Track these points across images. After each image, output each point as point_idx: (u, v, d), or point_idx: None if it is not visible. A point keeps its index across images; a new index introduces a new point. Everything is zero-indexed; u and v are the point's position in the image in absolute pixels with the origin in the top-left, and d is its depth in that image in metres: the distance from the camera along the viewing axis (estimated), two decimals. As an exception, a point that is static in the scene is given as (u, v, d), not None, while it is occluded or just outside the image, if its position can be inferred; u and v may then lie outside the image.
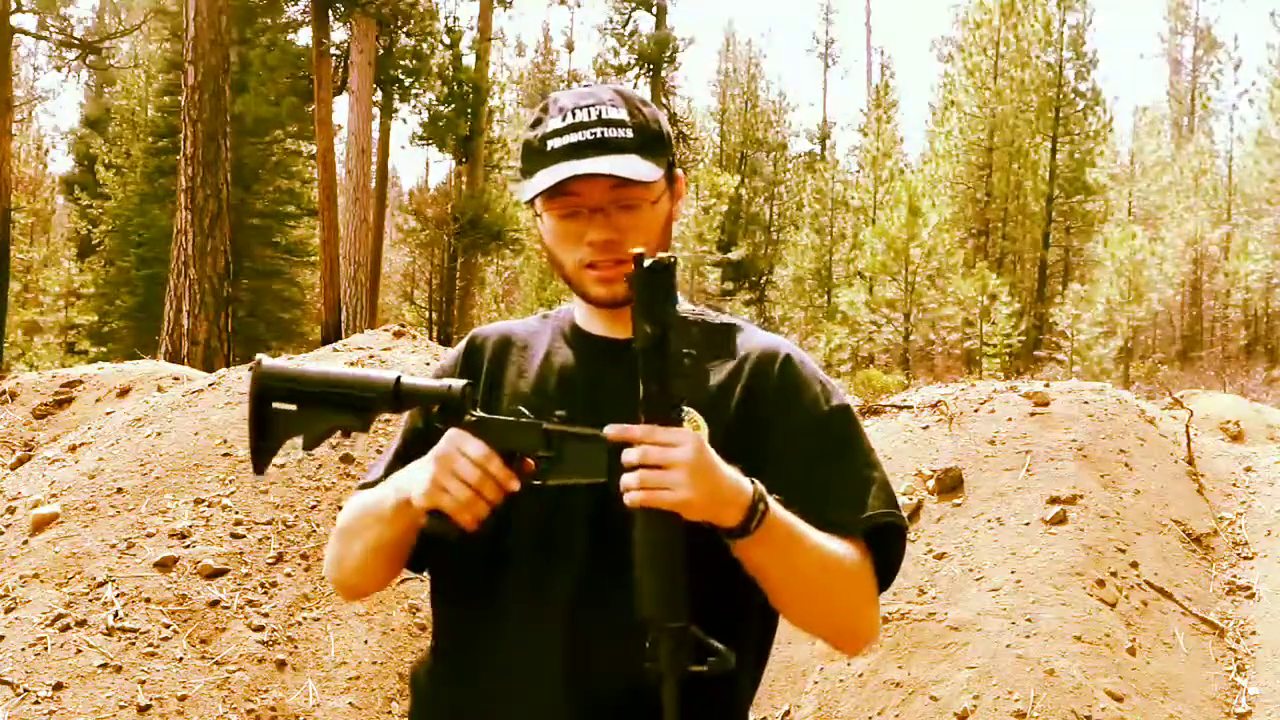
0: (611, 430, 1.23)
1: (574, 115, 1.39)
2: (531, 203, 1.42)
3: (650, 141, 1.40)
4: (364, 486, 1.53)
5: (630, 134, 1.38)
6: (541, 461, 1.29)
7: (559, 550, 1.36)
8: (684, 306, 1.53)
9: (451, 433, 1.30)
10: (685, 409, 1.36)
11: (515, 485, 1.29)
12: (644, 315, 1.22)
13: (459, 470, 1.27)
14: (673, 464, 1.20)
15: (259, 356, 1.36)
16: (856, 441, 1.44)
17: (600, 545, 1.34)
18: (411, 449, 1.45)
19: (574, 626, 1.34)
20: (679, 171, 1.49)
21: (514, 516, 1.35)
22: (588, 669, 1.34)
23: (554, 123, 1.39)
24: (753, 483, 1.26)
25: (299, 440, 1.34)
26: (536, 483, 1.30)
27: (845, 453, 1.42)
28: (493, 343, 1.54)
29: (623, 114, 1.39)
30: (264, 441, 1.36)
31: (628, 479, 1.21)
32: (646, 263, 1.21)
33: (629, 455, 1.22)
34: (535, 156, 1.41)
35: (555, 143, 1.38)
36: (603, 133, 1.37)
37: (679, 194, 1.49)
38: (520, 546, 1.39)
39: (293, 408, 1.33)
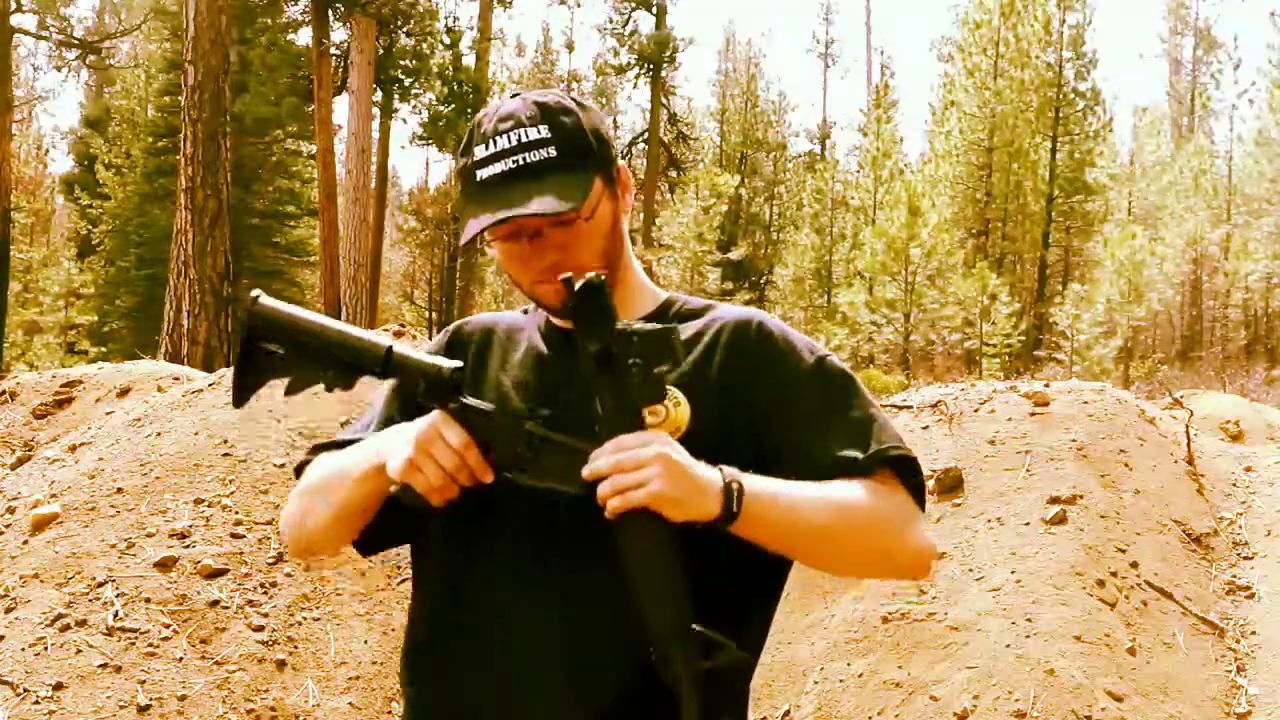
0: (587, 471, 1.24)
1: (494, 144, 1.38)
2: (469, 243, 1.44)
3: (576, 155, 1.39)
4: (322, 448, 1.53)
5: (553, 153, 1.37)
6: (520, 460, 1.30)
7: (554, 535, 1.36)
8: (656, 293, 1.55)
9: (435, 415, 1.31)
10: (668, 389, 1.38)
11: (489, 478, 1.31)
12: (584, 336, 1.25)
13: (437, 455, 1.29)
14: (644, 462, 1.22)
15: (255, 292, 1.34)
16: (850, 385, 1.45)
17: (594, 528, 1.33)
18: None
19: (572, 612, 1.34)
20: (620, 165, 1.48)
21: (506, 501, 1.35)
22: (589, 656, 1.34)
23: (479, 150, 1.39)
24: (719, 468, 1.27)
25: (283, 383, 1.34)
26: (508, 476, 1.31)
27: (842, 396, 1.44)
28: (477, 333, 1.55)
29: (543, 131, 1.38)
30: (246, 378, 1.35)
31: (603, 489, 1.23)
32: (577, 285, 1.23)
33: (597, 465, 1.23)
34: (466, 188, 1.42)
35: (481, 173, 1.38)
36: (524, 158, 1.37)
37: (624, 187, 1.48)
38: (514, 531, 1.39)
39: (280, 351, 1.33)
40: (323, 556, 1.54)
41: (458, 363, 1.33)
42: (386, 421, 1.49)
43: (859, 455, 1.38)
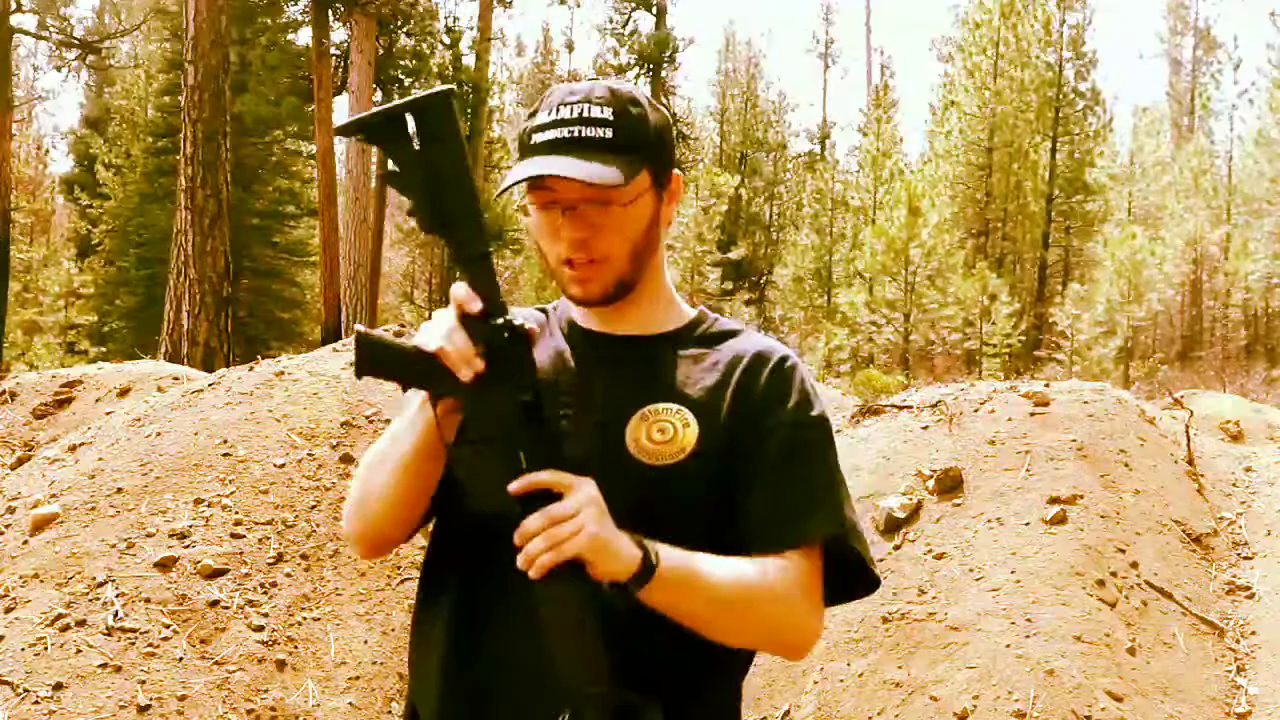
0: (515, 485, 1.23)
1: (558, 111, 1.38)
2: (503, 193, 1.43)
3: (631, 143, 1.39)
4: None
5: (609, 133, 1.37)
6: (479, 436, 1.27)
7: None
8: (685, 310, 1.54)
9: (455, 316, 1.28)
10: (676, 406, 1.38)
11: (464, 378, 1.26)
12: (505, 385, 1.22)
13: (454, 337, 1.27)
14: (571, 512, 1.21)
15: (360, 327, 1.31)
16: (820, 455, 1.44)
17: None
18: None
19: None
20: (676, 172, 1.48)
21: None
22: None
23: (541, 116, 1.40)
24: (639, 542, 1.26)
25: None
26: (449, 444, 1.29)
27: (805, 464, 1.43)
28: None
29: (606, 113, 1.38)
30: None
31: (529, 549, 1.21)
32: (500, 337, 1.22)
33: (529, 524, 1.22)
34: (521, 148, 1.42)
35: (537, 137, 1.39)
36: (580, 131, 1.37)
37: (674, 195, 1.48)
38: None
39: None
40: (389, 541, 1.50)
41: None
42: None
43: (788, 531, 1.38)
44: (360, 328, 1.20)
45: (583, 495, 1.23)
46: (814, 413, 1.45)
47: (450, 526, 1.48)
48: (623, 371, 1.46)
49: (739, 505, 1.40)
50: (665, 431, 1.39)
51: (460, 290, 1.27)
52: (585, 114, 1.38)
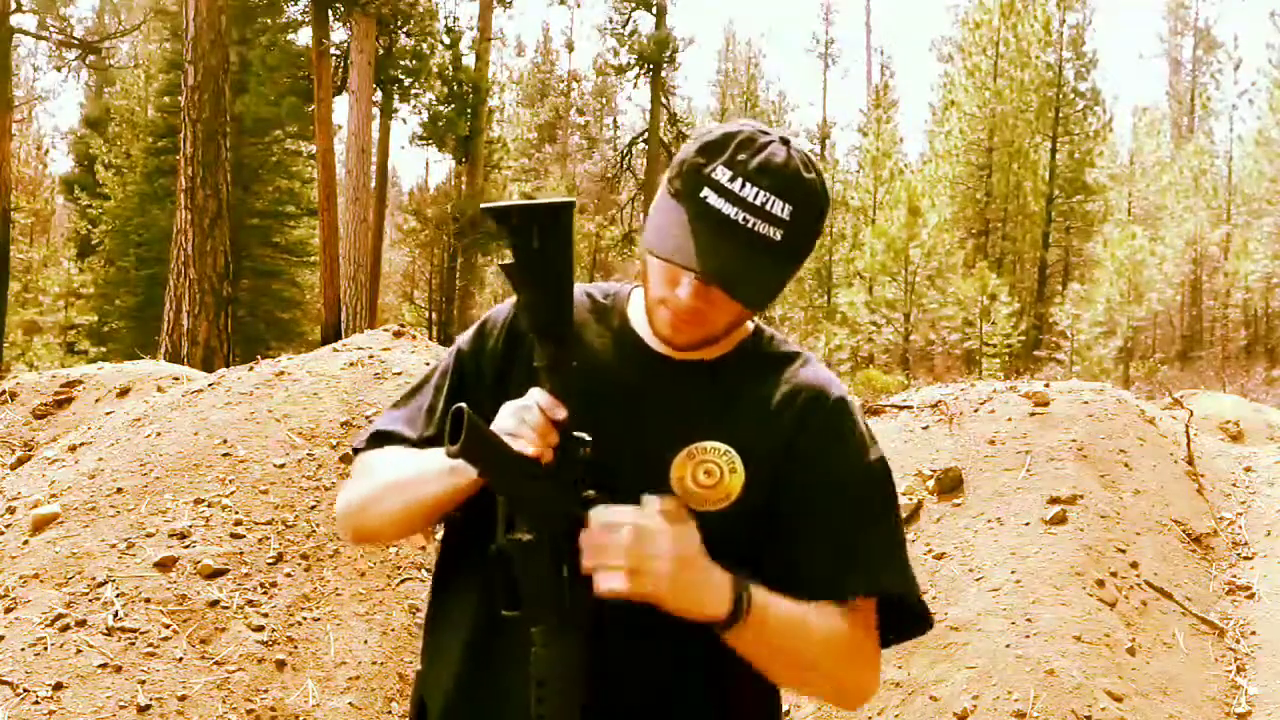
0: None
1: (743, 186, 1.30)
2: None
3: (794, 252, 1.34)
4: (382, 438, 1.51)
5: (779, 236, 1.30)
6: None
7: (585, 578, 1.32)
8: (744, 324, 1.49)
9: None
10: (724, 448, 1.36)
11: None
12: (570, 499, 1.26)
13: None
14: (650, 556, 1.22)
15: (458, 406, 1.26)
16: (887, 504, 1.43)
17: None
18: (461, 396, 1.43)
19: (598, 644, 1.30)
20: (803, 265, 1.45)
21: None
22: (612, 691, 1.32)
23: (724, 174, 1.31)
24: (735, 580, 1.26)
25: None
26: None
27: (872, 514, 1.41)
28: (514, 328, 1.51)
29: (785, 212, 1.30)
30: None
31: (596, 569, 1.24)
32: (578, 450, 1.26)
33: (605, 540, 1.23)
34: (685, 188, 1.33)
35: (712, 199, 1.30)
36: (754, 225, 1.29)
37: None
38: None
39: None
40: (382, 543, 1.54)
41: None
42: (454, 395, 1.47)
43: (855, 582, 1.36)
44: (464, 409, 1.18)
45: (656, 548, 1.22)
46: (872, 458, 1.42)
47: (463, 537, 1.47)
48: (673, 397, 1.42)
49: (787, 554, 1.37)
50: (711, 475, 1.36)
51: (546, 398, 1.27)
52: (767, 207, 1.30)
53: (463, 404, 1.17)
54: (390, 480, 1.43)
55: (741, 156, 1.31)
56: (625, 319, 1.48)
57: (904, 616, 1.43)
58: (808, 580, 1.35)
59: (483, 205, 1.31)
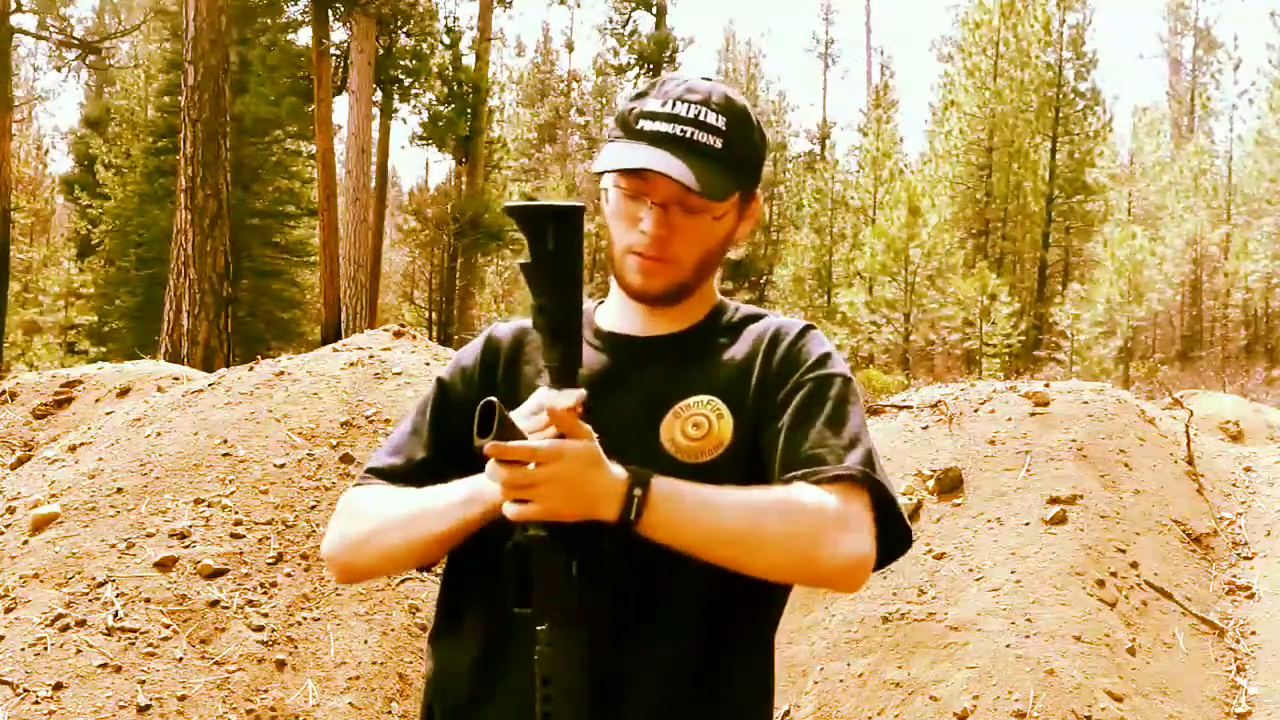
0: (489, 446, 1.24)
1: (674, 106, 1.38)
2: (599, 173, 1.43)
3: (735, 158, 1.40)
4: (376, 474, 1.51)
5: (719, 144, 1.38)
6: None
7: (596, 575, 1.32)
8: (707, 299, 1.52)
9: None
10: (707, 398, 1.39)
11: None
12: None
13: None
14: (534, 480, 1.23)
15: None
16: (842, 402, 1.41)
17: (635, 573, 1.34)
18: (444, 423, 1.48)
19: (605, 654, 1.31)
20: (758, 193, 1.48)
21: None
22: (618, 697, 1.33)
23: (653, 104, 1.40)
24: (630, 473, 1.27)
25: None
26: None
27: (829, 410, 1.39)
28: (511, 338, 1.53)
29: (720, 122, 1.39)
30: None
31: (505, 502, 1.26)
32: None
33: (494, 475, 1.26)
34: (623, 129, 1.41)
35: (646, 124, 1.39)
36: (692, 133, 1.37)
37: (750, 216, 1.48)
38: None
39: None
40: (374, 578, 1.56)
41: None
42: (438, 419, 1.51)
43: (820, 466, 1.34)
44: (495, 401, 1.21)
45: (541, 472, 1.23)
46: (833, 369, 1.43)
47: (473, 538, 1.46)
48: (652, 370, 1.45)
49: (766, 462, 1.37)
50: (700, 426, 1.38)
51: (558, 395, 1.29)
52: (701, 117, 1.38)
53: (492, 397, 1.21)
54: (390, 517, 1.43)
55: (668, 87, 1.41)
56: (594, 323, 1.52)
57: (878, 514, 1.36)
58: (779, 475, 1.35)
59: (505, 205, 1.35)
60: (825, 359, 1.43)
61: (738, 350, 1.45)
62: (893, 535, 1.37)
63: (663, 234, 1.38)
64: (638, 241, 1.40)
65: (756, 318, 1.51)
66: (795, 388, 1.40)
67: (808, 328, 1.47)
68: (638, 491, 1.26)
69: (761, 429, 1.39)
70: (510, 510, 1.25)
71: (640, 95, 1.42)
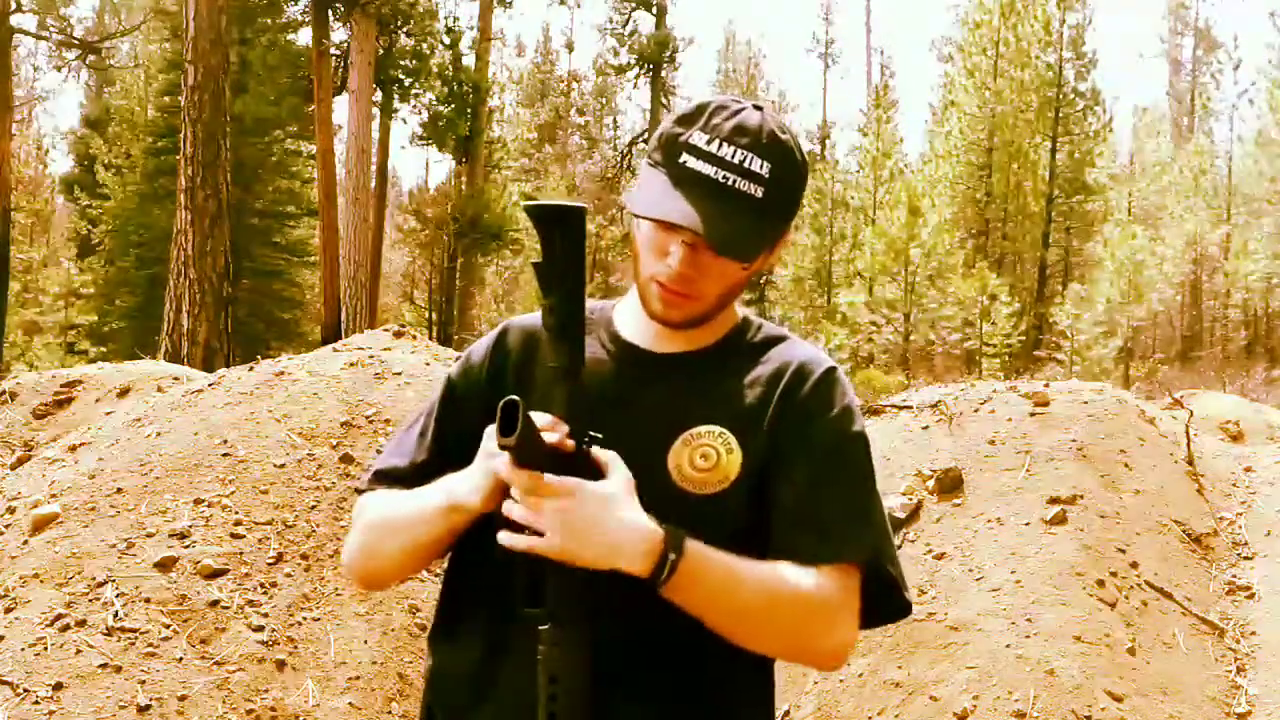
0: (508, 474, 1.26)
1: (720, 147, 1.34)
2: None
3: (775, 208, 1.37)
4: (381, 476, 1.52)
5: (760, 193, 1.35)
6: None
7: (602, 577, 1.32)
8: (729, 315, 1.51)
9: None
10: (719, 429, 1.38)
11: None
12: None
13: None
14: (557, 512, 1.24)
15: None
16: (861, 476, 1.42)
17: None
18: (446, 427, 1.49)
19: (599, 653, 1.31)
20: (792, 226, 1.47)
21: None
22: (613, 697, 1.32)
23: (699, 137, 1.36)
24: (667, 532, 1.26)
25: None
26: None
27: (847, 483, 1.41)
28: (523, 337, 1.52)
29: (764, 169, 1.35)
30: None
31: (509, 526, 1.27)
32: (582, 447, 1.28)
33: (509, 509, 1.26)
34: (665, 159, 1.38)
35: (689, 160, 1.35)
36: (734, 181, 1.34)
37: (779, 248, 1.47)
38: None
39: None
40: (392, 584, 1.58)
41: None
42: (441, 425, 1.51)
43: (829, 547, 1.36)
44: (517, 400, 1.21)
45: (559, 504, 1.24)
46: (855, 429, 1.42)
47: (476, 540, 1.46)
48: (666, 390, 1.43)
49: (773, 515, 1.37)
50: (708, 458, 1.37)
51: (545, 419, 1.29)
52: (745, 164, 1.34)
53: (514, 397, 1.20)
54: (388, 526, 1.46)
55: (716, 121, 1.36)
56: (613, 327, 1.50)
57: (880, 591, 1.41)
58: (788, 545, 1.35)
59: (524, 204, 1.36)
60: (848, 415, 1.42)
61: (756, 377, 1.43)
62: (893, 609, 1.45)
63: (689, 274, 1.37)
64: (663, 273, 1.38)
65: (779, 339, 1.49)
66: (815, 442, 1.39)
67: (832, 369, 1.45)
68: (673, 556, 1.25)
69: (772, 472, 1.38)
70: (505, 539, 1.25)
71: (688, 119, 1.38)
